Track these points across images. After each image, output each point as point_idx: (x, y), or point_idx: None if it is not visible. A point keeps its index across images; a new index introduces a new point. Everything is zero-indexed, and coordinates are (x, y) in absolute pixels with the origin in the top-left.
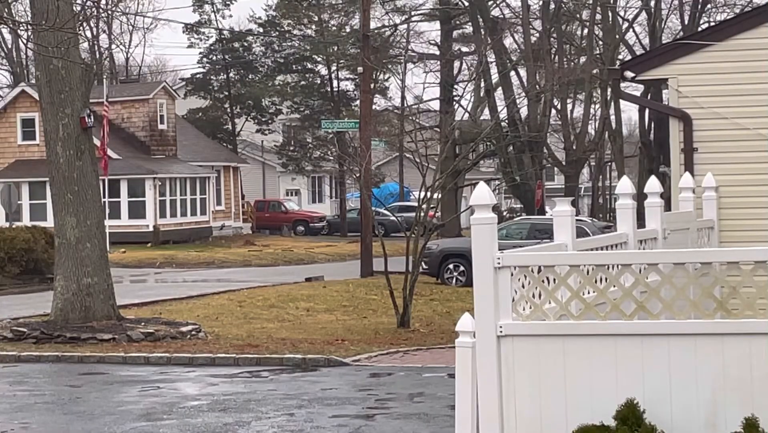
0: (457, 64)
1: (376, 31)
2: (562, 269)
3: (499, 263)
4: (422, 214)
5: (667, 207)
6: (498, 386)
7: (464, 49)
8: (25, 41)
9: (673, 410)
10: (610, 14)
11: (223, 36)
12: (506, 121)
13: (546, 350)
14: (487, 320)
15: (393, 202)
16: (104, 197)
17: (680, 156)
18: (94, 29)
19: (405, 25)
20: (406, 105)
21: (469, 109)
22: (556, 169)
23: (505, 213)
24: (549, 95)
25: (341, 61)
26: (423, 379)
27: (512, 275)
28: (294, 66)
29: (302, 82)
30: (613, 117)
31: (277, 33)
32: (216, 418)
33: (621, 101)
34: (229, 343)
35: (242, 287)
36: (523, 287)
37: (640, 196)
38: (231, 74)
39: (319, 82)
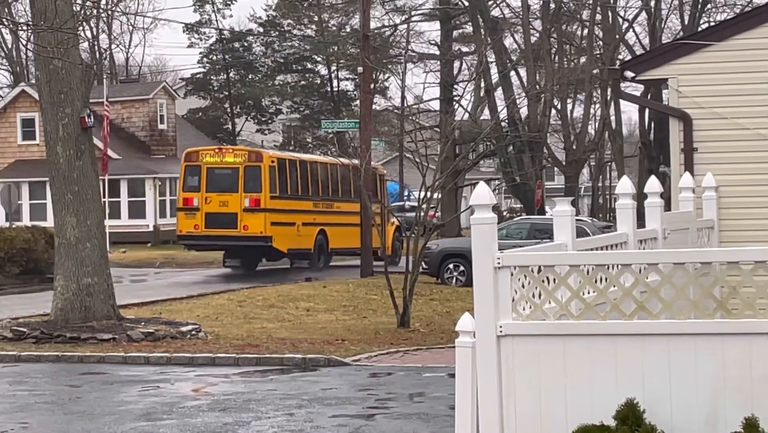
0: (457, 64)
1: (376, 31)
2: (562, 269)
3: (499, 263)
4: (422, 214)
5: (667, 207)
6: (498, 386)
7: (464, 49)
8: (24, 41)
9: (673, 410)
10: (610, 14)
11: (223, 36)
12: (506, 121)
13: (546, 350)
14: (487, 319)
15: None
16: (104, 197)
17: (680, 156)
18: (94, 29)
19: (405, 25)
20: (406, 105)
21: (469, 109)
22: (556, 169)
23: (505, 213)
24: (549, 95)
25: (341, 61)
26: (423, 379)
27: (512, 274)
28: (294, 66)
29: (302, 82)
30: (613, 117)
31: (277, 33)
32: (216, 418)
33: (621, 101)
34: (229, 343)
35: (242, 287)
36: (523, 286)
37: (640, 197)
38: (231, 74)
39: (319, 82)
